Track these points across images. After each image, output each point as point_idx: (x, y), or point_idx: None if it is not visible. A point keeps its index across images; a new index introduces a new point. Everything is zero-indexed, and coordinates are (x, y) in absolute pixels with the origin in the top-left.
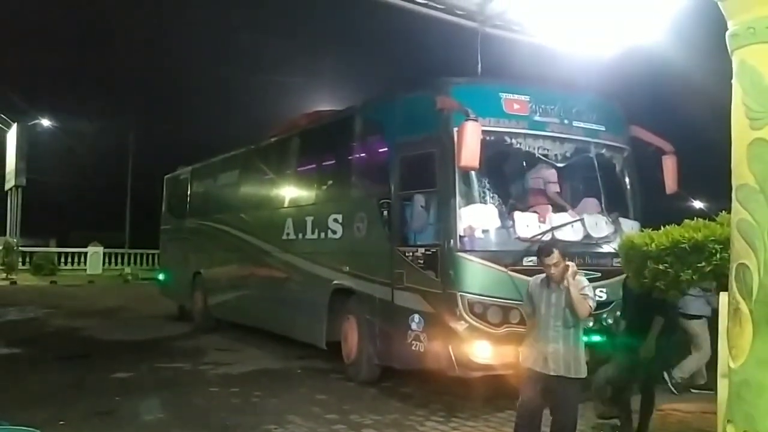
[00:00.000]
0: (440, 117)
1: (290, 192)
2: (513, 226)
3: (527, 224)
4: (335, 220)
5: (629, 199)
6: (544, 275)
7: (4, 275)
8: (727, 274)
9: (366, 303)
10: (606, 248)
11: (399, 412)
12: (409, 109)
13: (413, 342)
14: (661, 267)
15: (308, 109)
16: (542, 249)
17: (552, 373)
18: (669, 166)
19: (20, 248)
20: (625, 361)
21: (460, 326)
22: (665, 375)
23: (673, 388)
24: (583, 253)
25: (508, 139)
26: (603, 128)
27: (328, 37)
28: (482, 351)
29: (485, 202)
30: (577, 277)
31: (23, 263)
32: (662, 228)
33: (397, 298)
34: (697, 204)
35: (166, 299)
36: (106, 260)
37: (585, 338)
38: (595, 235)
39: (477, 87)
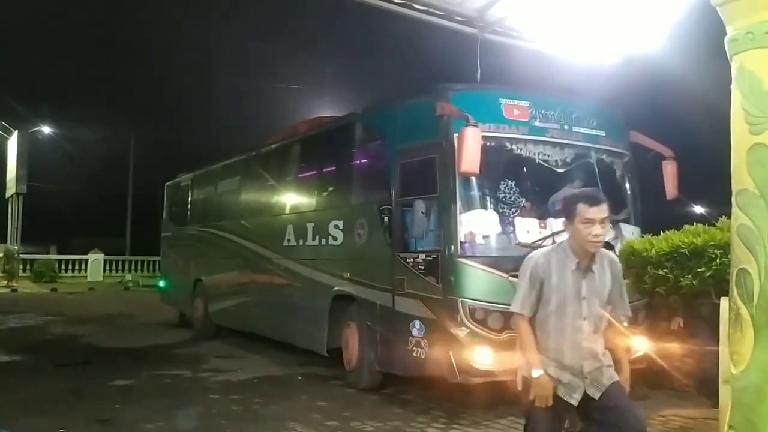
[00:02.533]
0: (440, 123)
1: (291, 198)
2: (513, 231)
3: (528, 230)
4: (336, 227)
5: (629, 205)
6: (558, 247)
7: (4, 282)
8: (728, 279)
9: (367, 309)
10: None
11: (400, 418)
12: (410, 116)
13: (414, 348)
14: (661, 272)
15: (308, 116)
16: (580, 196)
17: (574, 402)
18: (669, 171)
19: (21, 255)
20: None
21: (461, 332)
22: None
23: None
24: None
25: (508, 145)
26: (603, 134)
27: (328, 43)
28: (483, 357)
29: (486, 208)
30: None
31: (24, 270)
32: (662, 233)
33: (398, 304)
34: (698, 209)
35: (167, 306)
36: (107, 267)
37: None
38: None
39: (477, 93)
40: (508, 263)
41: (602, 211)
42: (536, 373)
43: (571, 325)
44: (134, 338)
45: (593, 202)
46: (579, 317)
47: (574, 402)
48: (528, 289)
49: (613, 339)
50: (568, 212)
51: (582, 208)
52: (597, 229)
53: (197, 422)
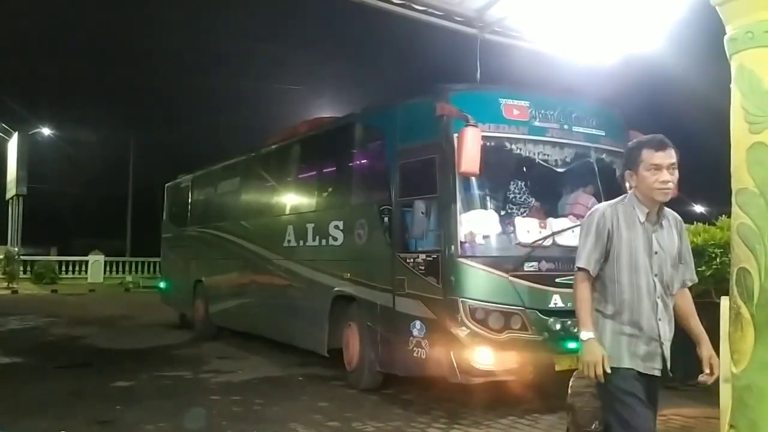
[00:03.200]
0: (440, 123)
1: (291, 199)
2: (513, 231)
3: (528, 230)
4: (336, 227)
5: None
6: (623, 199)
7: (5, 284)
8: (728, 278)
9: (367, 310)
10: None
11: (401, 419)
12: (409, 116)
13: (415, 348)
14: None
15: (308, 116)
16: (644, 142)
17: (657, 373)
18: None
19: (21, 257)
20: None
21: (461, 332)
22: None
23: None
24: None
25: (508, 145)
26: (603, 133)
27: (328, 44)
28: (484, 357)
29: (486, 208)
30: None
31: (24, 272)
32: None
33: (399, 304)
34: (698, 208)
35: (167, 307)
36: (107, 268)
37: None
38: None
39: (477, 93)
40: (509, 263)
41: (670, 156)
42: (586, 335)
43: (646, 282)
44: (135, 339)
45: (660, 146)
46: (651, 273)
47: (657, 372)
48: (594, 243)
49: (684, 305)
50: (630, 160)
51: (647, 154)
52: (665, 175)
53: (198, 423)
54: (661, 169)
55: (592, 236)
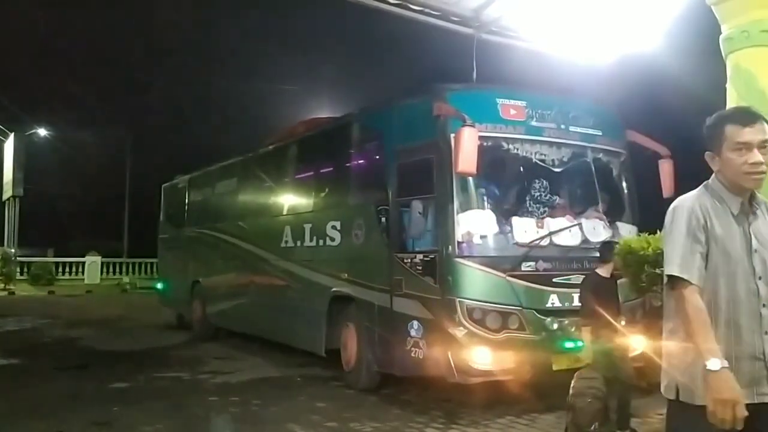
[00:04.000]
0: (437, 123)
1: (288, 199)
2: (511, 231)
3: (525, 229)
4: (333, 227)
5: (626, 204)
6: (705, 189)
7: (2, 285)
8: None
9: (365, 310)
10: None
11: (399, 419)
12: (407, 116)
13: (412, 349)
14: (657, 271)
15: (305, 117)
16: (727, 116)
17: (767, 399)
18: (666, 169)
19: (18, 258)
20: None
21: (459, 332)
22: None
23: None
24: (581, 258)
25: (505, 145)
26: (600, 133)
27: (324, 44)
28: (481, 357)
29: (483, 208)
30: None
31: (21, 273)
32: (659, 232)
33: (396, 304)
34: None
35: (165, 308)
36: (105, 270)
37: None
38: (592, 239)
39: (474, 93)
40: (506, 263)
41: (762, 130)
42: (715, 363)
43: (746, 289)
44: (132, 341)
45: (746, 120)
46: (752, 277)
47: (761, 399)
48: (690, 243)
49: None
50: (711, 139)
51: (732, 131)
52: (756, 155)
53: (196, 424)
54: (751, 147)
55: (683, 236)
